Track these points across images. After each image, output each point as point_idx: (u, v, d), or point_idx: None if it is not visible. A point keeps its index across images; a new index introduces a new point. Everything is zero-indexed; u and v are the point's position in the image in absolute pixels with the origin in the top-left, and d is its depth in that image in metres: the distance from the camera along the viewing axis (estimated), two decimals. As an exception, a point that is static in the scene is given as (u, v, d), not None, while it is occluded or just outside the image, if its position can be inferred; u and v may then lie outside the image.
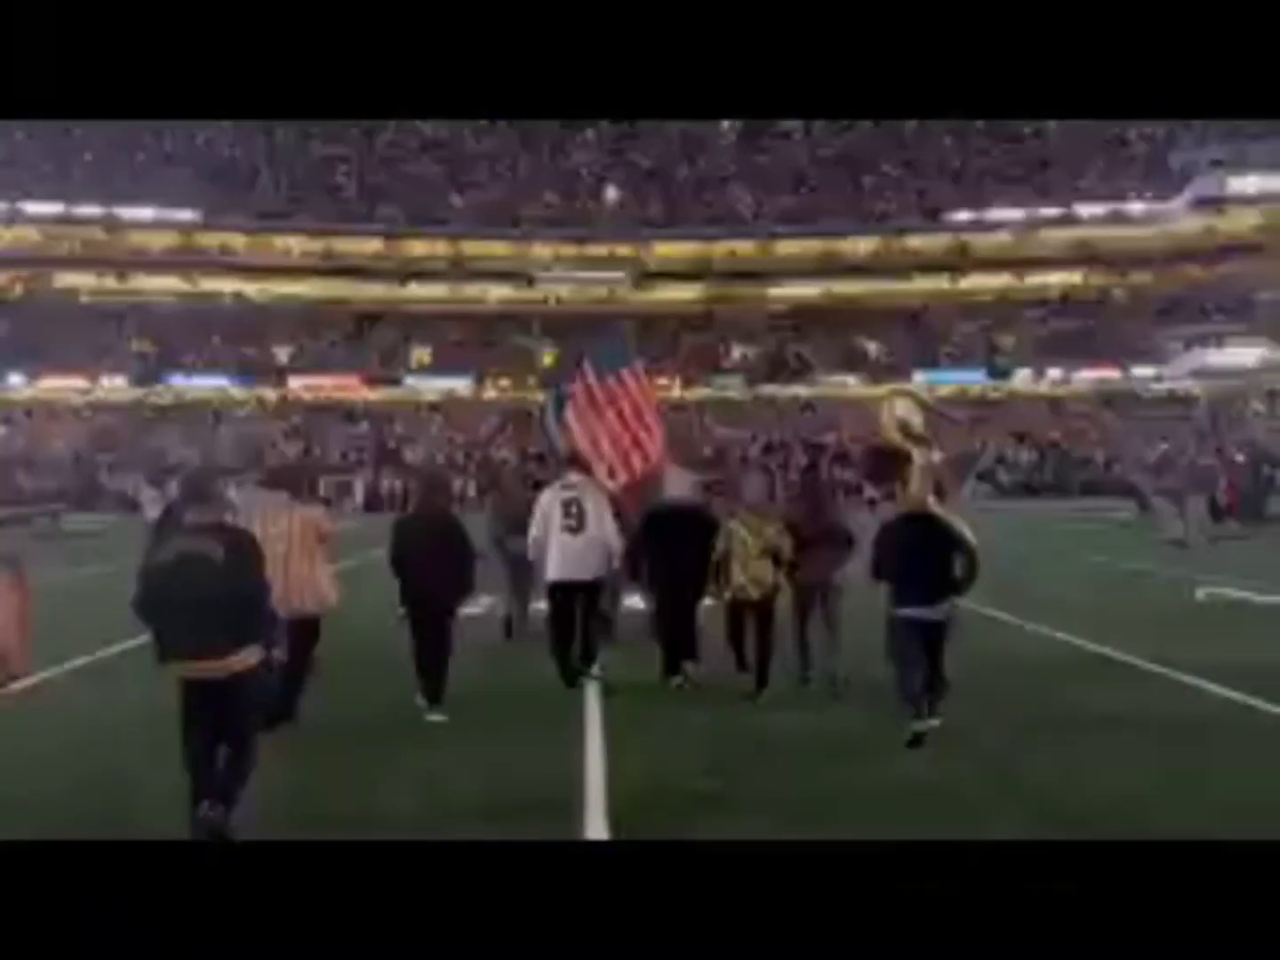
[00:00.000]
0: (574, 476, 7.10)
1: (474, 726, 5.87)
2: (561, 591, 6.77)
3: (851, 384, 49.52)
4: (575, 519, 6.71)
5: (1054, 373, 49.19)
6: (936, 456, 6.32)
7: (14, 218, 49.19)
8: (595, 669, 6.99)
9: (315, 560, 5.95)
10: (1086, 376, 49.01)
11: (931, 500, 6.01)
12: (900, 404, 6.66)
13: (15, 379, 47.26)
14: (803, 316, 53.74)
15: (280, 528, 5.78)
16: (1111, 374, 48.77)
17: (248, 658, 4.18)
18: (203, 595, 4.04)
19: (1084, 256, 52.14)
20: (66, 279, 51.59)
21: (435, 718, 6.02)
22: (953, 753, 5.29)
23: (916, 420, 6.48)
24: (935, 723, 5.48)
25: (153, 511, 19.26)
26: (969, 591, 5.84)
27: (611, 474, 7.97)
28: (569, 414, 8.56)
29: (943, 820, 4.19)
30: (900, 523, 5.90)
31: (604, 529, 6.76)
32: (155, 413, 47.64)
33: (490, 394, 50.62)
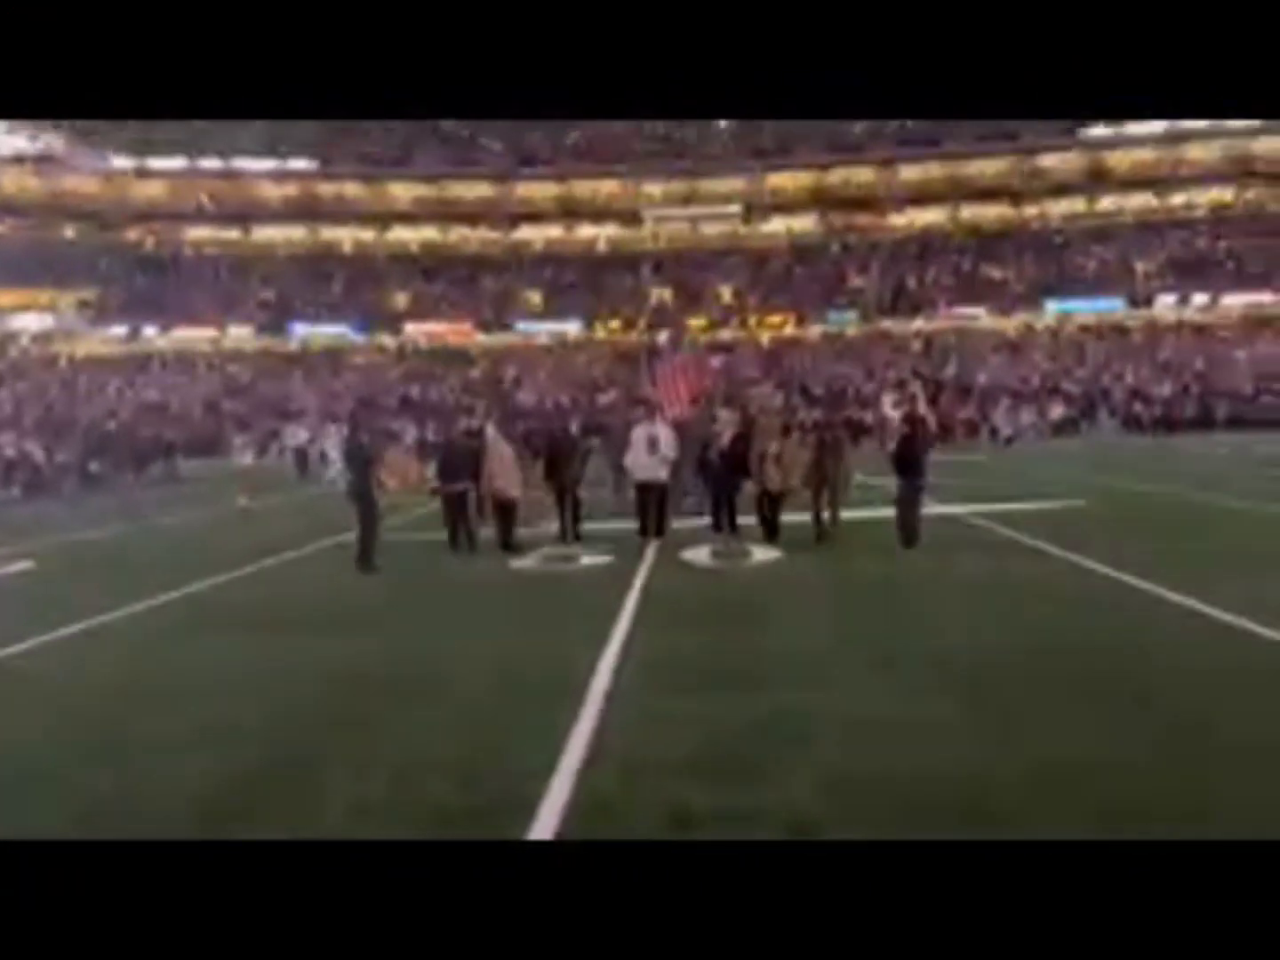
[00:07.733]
0: (649, 417, 12.42)
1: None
2: (643, 488, 12.03)
3: (980, 316, 51.10)
4: (652, 445, 11.72)
5: (1199, 298, 49.29)
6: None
7: (141, 173, 55.40)
8: (669, 525, 12.37)
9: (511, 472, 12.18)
10: (1235, 302, 49.01)
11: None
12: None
13: (150, 330, 53.70)
14: (926, 245, 55.13)
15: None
16: (1264, 298, 48.58)
17: (469, 488, 11.77)
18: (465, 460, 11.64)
19: (1237, 171, 51.75)
20: (193, 232, 57.82)
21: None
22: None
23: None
24: None
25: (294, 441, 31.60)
26: None
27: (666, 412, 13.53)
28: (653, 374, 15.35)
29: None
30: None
31: (669, 451, 11.79)
32: (280, 361, 53.15)
33: (600, 335, 54.12)
